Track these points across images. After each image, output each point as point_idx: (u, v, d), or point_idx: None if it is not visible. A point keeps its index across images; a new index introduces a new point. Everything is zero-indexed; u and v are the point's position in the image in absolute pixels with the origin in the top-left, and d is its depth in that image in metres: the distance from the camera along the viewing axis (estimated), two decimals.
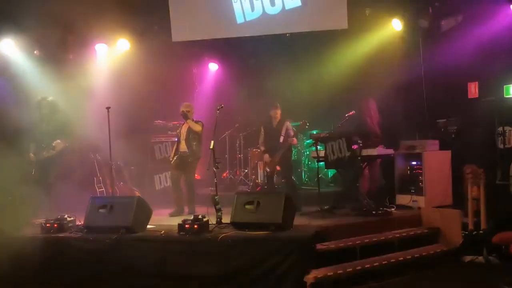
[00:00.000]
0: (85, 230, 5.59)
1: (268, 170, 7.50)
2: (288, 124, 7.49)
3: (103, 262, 5.30)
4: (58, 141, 6.85)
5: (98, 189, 7.82)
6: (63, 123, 7.02)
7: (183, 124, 7.30)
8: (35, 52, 7.83)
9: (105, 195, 7.62)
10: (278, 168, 7.46)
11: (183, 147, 7.15)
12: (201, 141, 7.22)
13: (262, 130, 7.71)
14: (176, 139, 7.36)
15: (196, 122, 7.23)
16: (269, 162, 7.41)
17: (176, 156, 7.21)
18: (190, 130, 7.14)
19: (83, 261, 5.34)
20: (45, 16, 7.03)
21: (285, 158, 7.42)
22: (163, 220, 6.54)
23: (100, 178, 7.93)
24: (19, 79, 7.55)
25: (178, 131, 7.40)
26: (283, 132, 7.34)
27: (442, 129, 7.60)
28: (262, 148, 7.66)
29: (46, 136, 6.91)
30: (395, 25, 7.78)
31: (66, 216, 5.80)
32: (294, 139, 7.39)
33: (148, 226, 5.79)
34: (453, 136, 7.44)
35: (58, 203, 6.52)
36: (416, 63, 7.75)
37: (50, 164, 6.88)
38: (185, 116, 7.14)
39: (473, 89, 7.47)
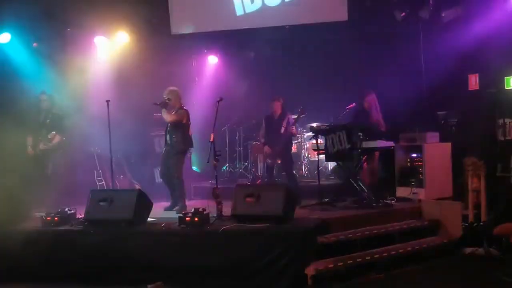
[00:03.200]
0: (86, 223, 5.59)
1: (269, 161, 7.51)
2: (290, 116, 7.49)
3: (104, 255, 5.30)
4: (53, 132, 6.82)
5: (98, 182, 7.83)
6: (61, 117, 7.00)
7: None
8: (33, 44, 7.79)
9: (105, 188, 7.62)
10: (279, 161, 7.46)
11: (167, 137, 6.72)
12: (186, 132, 6.67)
13: (264, 122, 7.71)
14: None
15: (178, 109, 6.64)
16: (270, 153, 7.41)
17: (163, 149, 6.84)
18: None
19: (84, 254, 5.33)
20: (43, 9, 7.00)
21: (286, 151, 7.42)
22: (164, 213, 6.54)
23: (100, 171, 7.94)
24: (18, 72, 7.51)
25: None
26: (284, 124, 7.34)
27: (443, 121, 7.59)
28: (263, 140, 7.66)
29: (44, 129, 6.90)
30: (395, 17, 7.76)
31: (66, 209, 5.81)
32: (293, 127, 7.38)
33: (149, 219, 5.79)
34: (453, 128, 7.44)
35: (58, 196, 6.52)
36: (416, 55, 7.72)
37: (48, 157, 6.87)
38: (164, 105, 6.58)
39: (474, 81, 7.46)
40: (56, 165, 6.89)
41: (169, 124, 6.70)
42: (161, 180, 7.13)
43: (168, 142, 6.71)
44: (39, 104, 6.97)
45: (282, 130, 7.34)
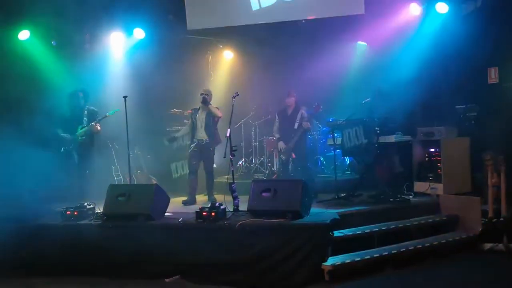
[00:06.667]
0: (105, 217, 5.66)
1: (283, 157, 7.50)
2: (303, 111, 7.47)
3: (122, 249, 5.37)
4: (95, 123, 6.92)
5: (116, 177, 7.92)
6: (96, 112, 7.15)
7: (198, 110, 7.16)
8: (52, 42, 7.89)
9: (122, 183, 7.70)
10: (293, 156, 7.44)
11: (202, 134, 7.06)
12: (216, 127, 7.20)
13: (277, 117, 7.71)
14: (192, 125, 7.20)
15: (216, 108, 7.19)
16: (284, 149, 7.40)
17: (193, 145, 7.10)
18: (210, 116, 7.05)
19: (103, 248, 5.41)
20: (61, 5, 7.07)
21: (300, 145, 7.41)
22: (181, 208, 6.60)
23: (118, 166, 8.02)
24: (36, 69, 7.61)
25: (192, 118, 7.22)
26: (298, 119, 7.33)
27: (461, 116, 7.46)
28: (277, 136, 7.66)
29: (83, 123, 7.01)
30: (413, 10, 7.67)
31: (86, 203, 5.90)
32: (307, 122, 7.36)
33: (166, 214, 5.85)
34: (472, 122, 7.32)
35: (88, 189, 6.66)
36: (435, 48, 7.62)
37: (88, 149, 6.99)
38: (205, 101, 7.04)
39: (493, 74, 7.33)
40: (85, 152, 7.02)
41: (206, 120, 6.99)
42: (186, 172, 7.33)
43: (204, 138, 6.98)
44: (77, 99, 7.06)
45: (296, 125, 7.32)
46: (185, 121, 8.77)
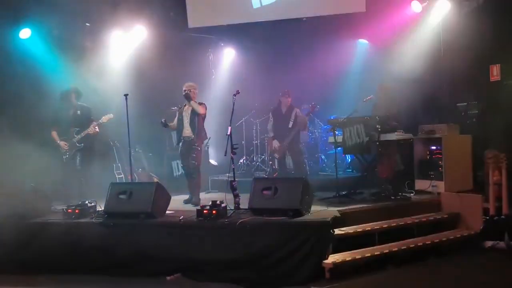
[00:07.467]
0: (106, 215, 5.67)
1: (277, 156, 7.52)
2: (298, 110, 7.49)
3: (123, 247, 5.38)
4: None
5: (117, 175, 7.93)
6: (89, 108, 7.13)
7: (184, 106, 6.87)
8: (53, 40, 7.89)
9: (124, 181, 7.71)
10: (288, 154, 7.48)
11: (187, 131, 6.75)
12: (203, 124, 6.85)
13: (271, 116, 7.72)
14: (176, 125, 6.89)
15: (200, 104, 6.77)
16: (278, 147, 7.42)
17: (180, 143, 6.82)
18: (195, 112, 6.71)
19: (103, 246, 5.42)
20: (63, 4, 7.07)
21: (294, 144, 7.42)
22: (182, 206, 6.60)
23: (119, 164, 8.03)
24: (38, 68, 7.62)
25: (178, 114, 6.90)
26: (292, 118, 7.33)
27: (463, 113, 7.46)
28: (271, 134, 7.67)
29: (77, 121, 6.99)
30: (415, 7, 7.65)
31: (87, 201, 5.90)
32: (305, 120, 7.36)
33: (167, 212, 5.86)
34: (474, 120, 7.31)
35: (87, 188, 6.65)
36: (436, 45, 7.60)
37: (82, 150, 6.98)
38: (188, 97, 6.69)
39: (495, 72, 7.31)
40: (86, 157, 7.01)
41: (190, 116, 6.74)
42: (183, 172, 7.15)
43: (190, 134, 6.71)
44: (69, 99, 7.05)
45: (290, 124, 7.34)
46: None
